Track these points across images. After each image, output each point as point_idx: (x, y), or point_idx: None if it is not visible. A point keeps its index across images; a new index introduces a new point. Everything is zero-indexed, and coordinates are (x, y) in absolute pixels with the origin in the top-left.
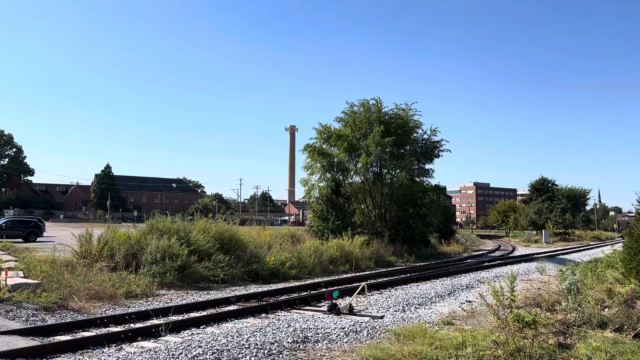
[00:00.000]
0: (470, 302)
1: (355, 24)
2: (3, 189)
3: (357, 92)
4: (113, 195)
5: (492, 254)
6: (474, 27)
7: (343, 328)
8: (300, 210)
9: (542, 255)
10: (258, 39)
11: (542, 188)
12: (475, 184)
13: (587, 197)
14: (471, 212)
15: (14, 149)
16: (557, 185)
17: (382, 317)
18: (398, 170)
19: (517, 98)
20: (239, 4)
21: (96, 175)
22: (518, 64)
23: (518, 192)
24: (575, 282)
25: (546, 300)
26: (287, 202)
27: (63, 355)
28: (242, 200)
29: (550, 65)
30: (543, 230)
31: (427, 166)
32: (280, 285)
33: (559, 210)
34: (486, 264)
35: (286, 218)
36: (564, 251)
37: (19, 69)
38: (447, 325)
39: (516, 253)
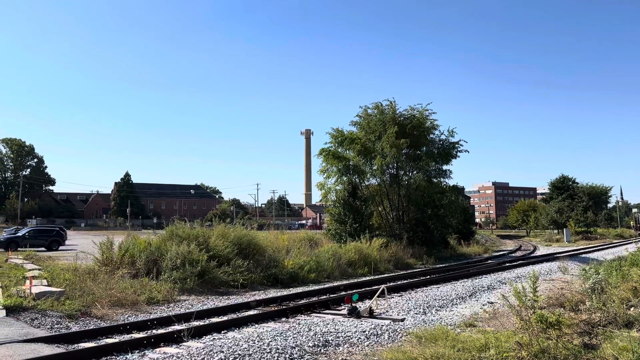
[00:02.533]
0: (492, 303)
1: (368, 29)
2: (25, 199)
3: (372, 95)
4: (133, 202)
5: (513, 254)
6: (493, 28)
7: (364, 331)
8: (317, 214)
9: (564, 254)
10: (272, 45)
11: (563, 186)
12: (494, 183)
13: (609, 194)
14: (490, 212)
15: (35, 160)
16: (577, 183)
17: (402, 320)
18: (415, 172)
19: (534, 97)
20: (250, 11)
21: (116, 183)
22: (535, 65)
23: (538, 191)
24: (599, 281)
25: (570, 300)
26: (304, 205)
27: None
28: (260, 205)
29: (566, 64)
30: (564, 229)
31: (444, 167)
32: (300, 289)
33: (581, 208)
34: (507, 264)
35: (303, 222)
36: (587, 250)
37: (39, 82)
38: (469, 327)
39: (537, 253)
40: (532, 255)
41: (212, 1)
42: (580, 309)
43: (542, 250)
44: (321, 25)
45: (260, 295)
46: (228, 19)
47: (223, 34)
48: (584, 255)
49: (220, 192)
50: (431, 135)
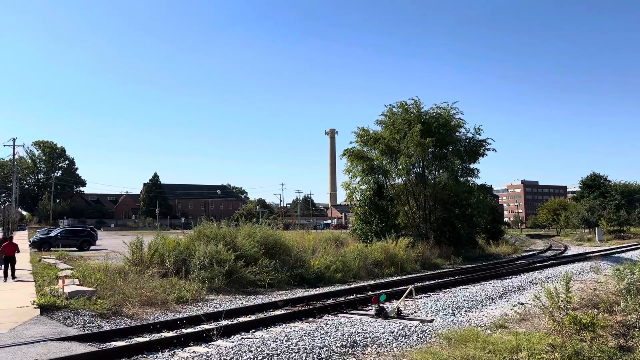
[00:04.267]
0: (522, 304)
1: (391, 34)
2: (57, 200)
3: (396, 95)
4: (161, 203)
5: (544, 254)
6: (519, 29)
7: (392, 332)
8: (343, 214)
9: (597, 254)
10: (296, 48)
11: (594, 184)
12: (523, 182)
13: None
14: (520, 211)
15: (67, 162)
16: (609, 180)
17: (431, 321)
18: (441, 171)
19: (564, 92)
20: (270, 15)
21: (145, 184)
22: (563, 65)
23: (568, 190)
24: (635, 282)
25: (604, 301)
26: (329, 205)
27: None
28: (285, 205)
29: (595, 59)
30: (596, 228)
31: (471, 166)
32: (326, 289)
33: (613, 206)
34: (538, 264)
35: (328, 221)
36: (620, 249)
37: (69, 88)
38: (500, 328)
39: (568, 252)
40: (563, 255)
41: (231, 7)
42: (614, 310)
43: (573, 250)
44: (343, 30)
45: (287, 295)
46: (249, 23)
47: (244, 38)
48: (617, 255)
49: (246, 192)
50: (457, 134)
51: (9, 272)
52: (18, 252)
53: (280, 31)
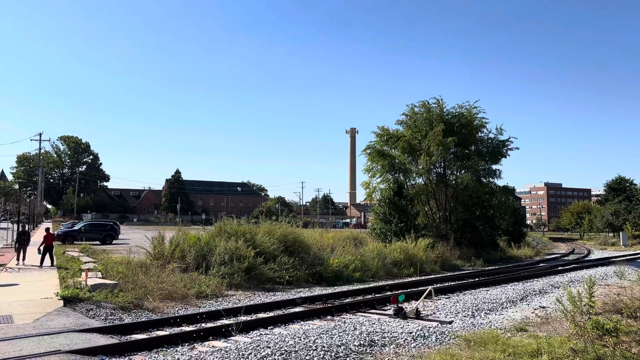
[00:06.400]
0: (544, 307)
1: (415, 31)
2: (81, 194)
3: (417, 96)
4: (182, 199)
5: (566, 258)
6: (543, 30)
7: (410, 332)
8: (362, 213)
9: (621, 258)
10: (316, 49)
11: (619, 188)
12: (546, 184)
13: None
14: (542, 214)
15: (91, 157)
16: (635, 184)
17: (450, 323)
18: (463, 171)
19: (590, 93)
20: (294, 13)
21: (167, 180)
22: (588, 61)
23: (592, 193)
24: None
25: (627, 306)
26: (348, 204)
27: (140, 353)
28: (304, 203)
29: (622, 60)
30: (621, 233)
31: (494, 166)
32: (345, 288)
33: (638, 211)
34: (560, 268)
35: (347, 220)
36: None
37: (94, 87)
38: (520, 331)
39: (592, 256)
40: (586, 259)
41: (251, 9)
42: (638, 316)
43: (596, 254)
44: (363, 30)
45: (305, 293)
46: (269, 24)
47: (265, 39)
48: None
49: (266, 190)
50: (480, 134)
51: (42, 259)
52: (55, 240)
53: (300, 32)
